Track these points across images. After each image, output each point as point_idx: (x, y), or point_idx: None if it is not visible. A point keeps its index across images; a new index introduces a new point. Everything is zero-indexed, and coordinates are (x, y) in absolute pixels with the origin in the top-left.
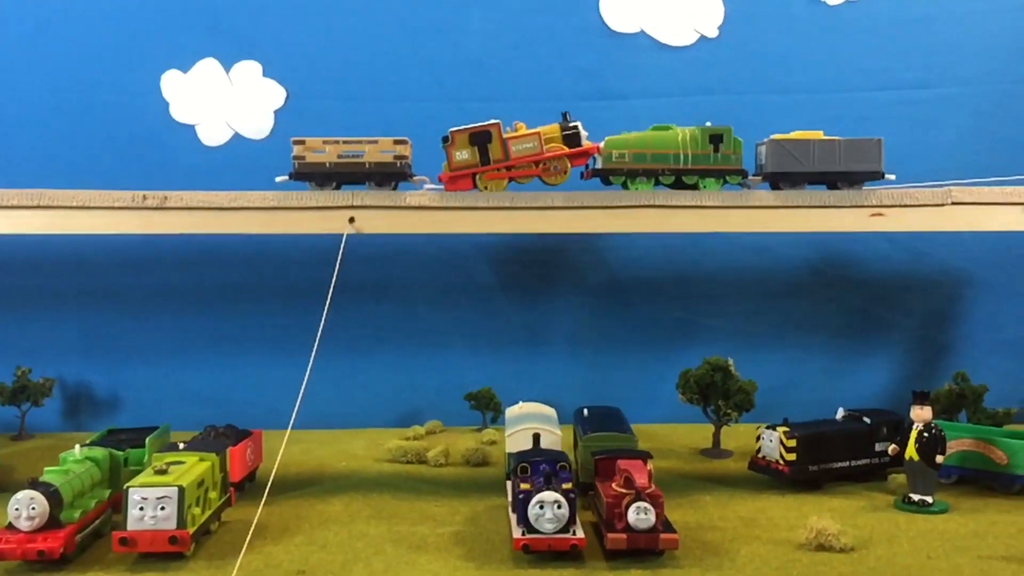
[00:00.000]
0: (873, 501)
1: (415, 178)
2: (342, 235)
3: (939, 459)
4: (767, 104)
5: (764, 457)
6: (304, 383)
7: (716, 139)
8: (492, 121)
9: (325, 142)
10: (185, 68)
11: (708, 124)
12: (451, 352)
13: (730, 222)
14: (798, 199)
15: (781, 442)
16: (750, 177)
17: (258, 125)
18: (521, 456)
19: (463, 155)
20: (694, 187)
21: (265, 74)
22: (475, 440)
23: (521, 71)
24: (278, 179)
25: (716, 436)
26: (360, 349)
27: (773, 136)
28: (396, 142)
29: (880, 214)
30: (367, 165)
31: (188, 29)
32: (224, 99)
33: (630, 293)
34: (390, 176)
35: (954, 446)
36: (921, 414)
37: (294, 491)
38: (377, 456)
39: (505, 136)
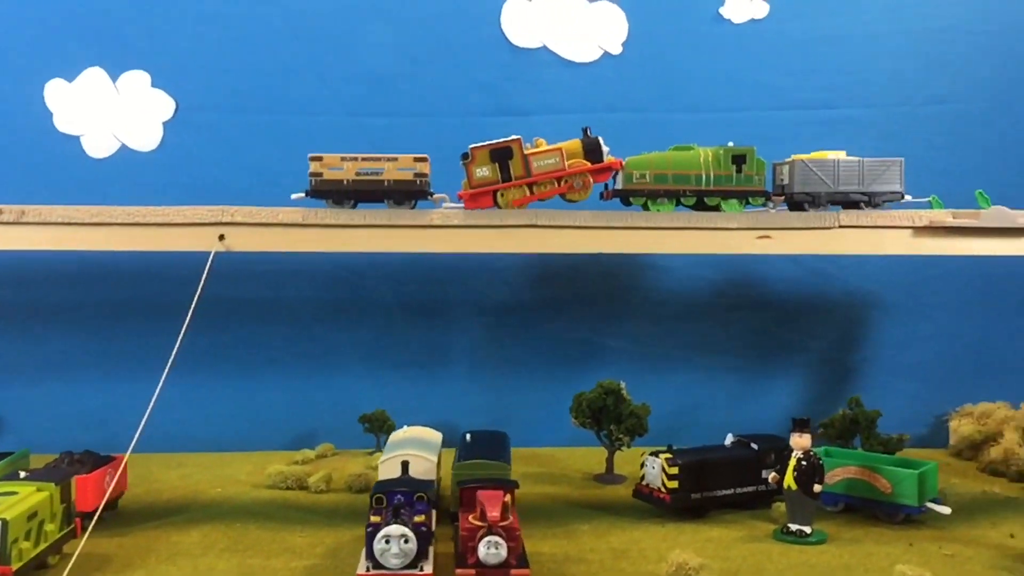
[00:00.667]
0: (753, 531)
1: (435, 196)
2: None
3: (817, 488)
4: (672, 122)
5: (648, 484)
6: (151, 404)
7: (739, 159)
8: (513, 137)
9: (343, 159)
10: (70, 77)
11: (731, 144)
12: (347, 373)
13: (618, 243)
14: (686, 220)
15: (663, 469)
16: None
17: (146, 137)
18: (380, 486)
19: (483, 172)
20: (716, 208)
21: (154, 84)
22: (363, 464)
23: (421, 86)
24: (294, 196)
25: (609, 461)
26: (252, 369)
27: (796, 156)
28: (416, 159)
29: (767, 236)
30: (386, 183)
31: (74, 37)
32: (111, 109)
33: (531, 313)
34: (410, 194)
35: (840, 473)
36: (800, 441)
37: (156, 520)
38: (257, 482)
39: (526, 152)
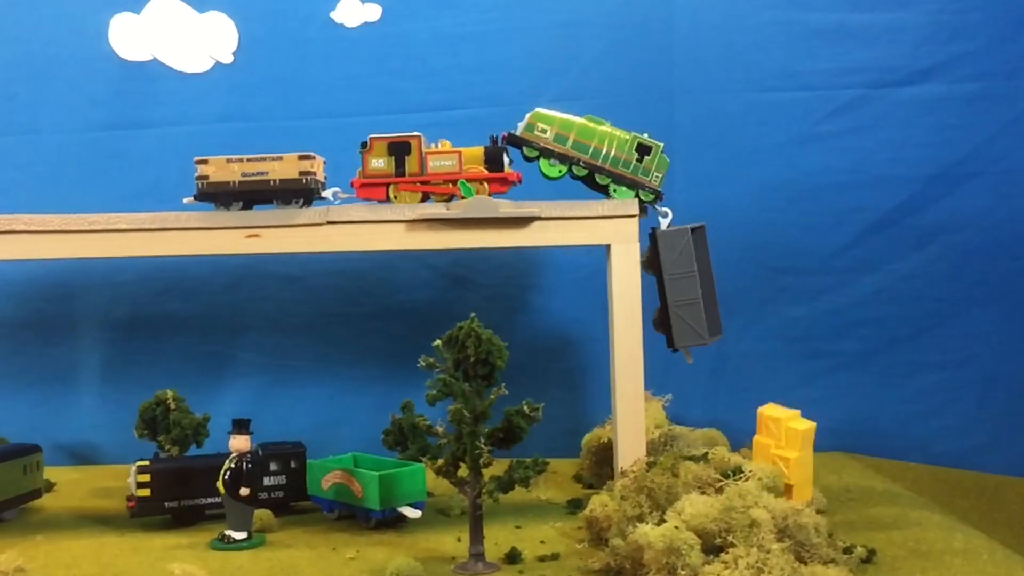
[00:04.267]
0: (205, 539)
1: (328, 191)
2: None
3: (244, 492)
4: (289, 129)
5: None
6: None
7: (644, 150)
8: (414, 133)
9: (229, 160)
10: None
11: (647, 135)
12: None
13: (94, 247)
14: (168, 221)
15: (136, 476)
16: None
17: None
18: None
19: (379, 163)
20: (605, 188)
21: None
22: None
23: (33, 103)
24: (185, 200)
25: None
26: None
27: None
28: (302, 157)
29: (256, 235)
30: (272, 183)
31: None
32: None
33: (158, 328)
34: (297, 193)
35: (330, 479)
36: (236, 444)
37: None
38: None
39: (426, 151)
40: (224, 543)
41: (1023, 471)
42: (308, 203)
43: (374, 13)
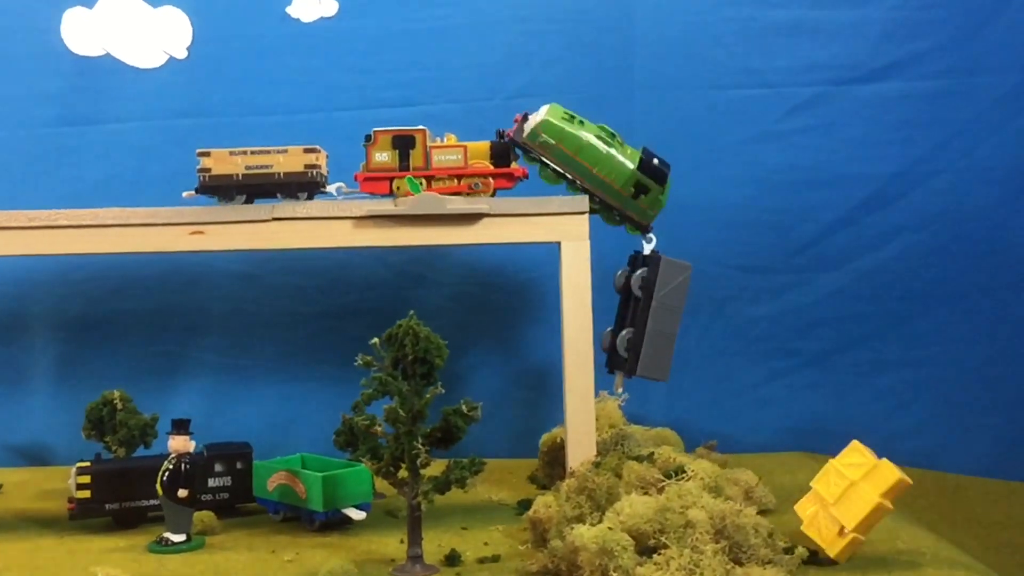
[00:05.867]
0: (144, 541)
1: (331, 186)
2: None
3: (182, 493)
4: (244, 125)
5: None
6: None
7: (641, 189)
8: (419, 127)
9: (232, 153)
10: None
11: (656, 161)
12: None
13: (41, 244)
14: (110, 218)
15: (75, 477)
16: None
17: None
18: None
19: (383, 157)
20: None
21: None
22: None
23: None
24: (185, 194)
25: None
26: None
27: None
28: (307, 150)
29: (200, 232)
30: (277, 176)
31: None
32: None
33: (111, 327)
34: (302, 186)
35: (275, 480)
36: (174, 444)
37: None
38: None
39: (430, 145)
40: (162, 546)
41: (984, 470)
42: (311, 197)
43: (331, 8)
